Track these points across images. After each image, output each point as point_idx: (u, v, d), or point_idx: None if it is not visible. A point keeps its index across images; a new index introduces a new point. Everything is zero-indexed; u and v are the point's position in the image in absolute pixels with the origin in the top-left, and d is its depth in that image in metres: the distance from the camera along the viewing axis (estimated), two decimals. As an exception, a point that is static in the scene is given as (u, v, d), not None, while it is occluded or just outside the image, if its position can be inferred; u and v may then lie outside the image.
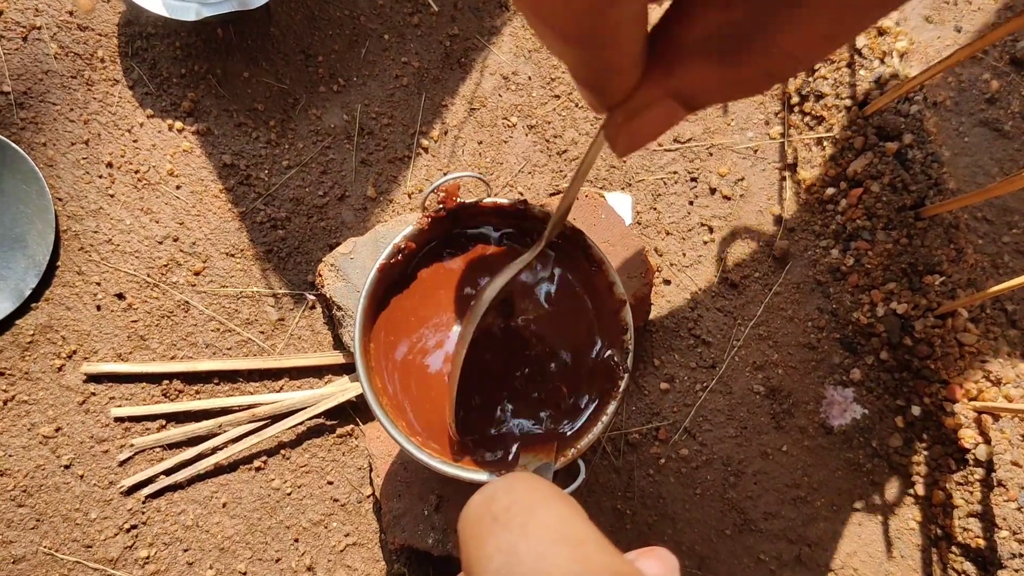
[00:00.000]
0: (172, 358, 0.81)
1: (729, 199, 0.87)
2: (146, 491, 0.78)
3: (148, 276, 0.82)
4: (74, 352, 0.80)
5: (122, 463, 0.78)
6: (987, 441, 0.75)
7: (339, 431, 0.80)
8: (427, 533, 0.71)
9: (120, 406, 0.79)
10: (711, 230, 0.86)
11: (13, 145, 0.80)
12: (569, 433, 0.56)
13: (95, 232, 0.82)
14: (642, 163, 0.88)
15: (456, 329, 0.58)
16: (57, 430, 0.78)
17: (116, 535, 0.77)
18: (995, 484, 0.73)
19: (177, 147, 0.84)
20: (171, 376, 0.80)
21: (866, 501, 0.80)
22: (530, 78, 0.90)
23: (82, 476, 0.78)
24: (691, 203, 0.87)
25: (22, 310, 0.80)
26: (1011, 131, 0.88)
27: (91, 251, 0.82)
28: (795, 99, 0.89)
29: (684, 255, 0.86)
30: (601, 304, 0.59)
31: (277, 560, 0.77)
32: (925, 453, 0.79)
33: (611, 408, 0.54)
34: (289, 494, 0.79)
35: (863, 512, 0.79)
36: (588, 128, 0.89)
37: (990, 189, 0.67)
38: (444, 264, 0.61)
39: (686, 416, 0.81)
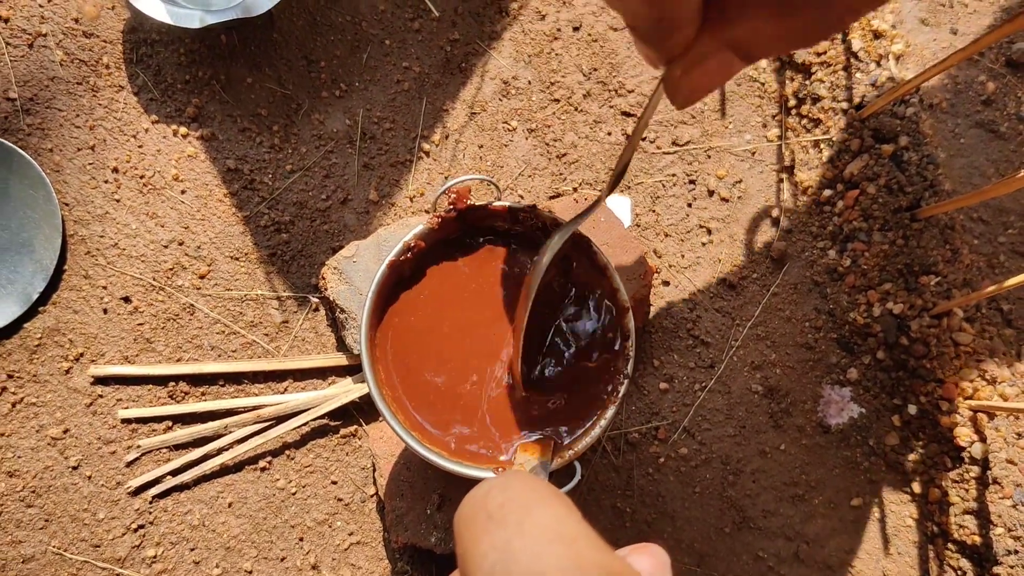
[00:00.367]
0: (178, 360, 0.82)
1: (727, 201, 0.88)
2: (153, 491, 0.79)
3: (154, 280, 0.83)
4: (81, 355, 0.81)
5: (129, 464, 0.80)
6: (983, 439, 0.76)
7: (343, 432, 0.81)
8: (430, 532, 0.72)
9: (127, 408, 0.81)
10: (709, 232, 0.87)
11: (20, 151, 0.81)
12: (568, 434, 0.57)
13: (101, 236, 0.83)
14: (641, 166, 0.89)
15: (462, 326, 0.60)
16: (65, 432, 0.80)
17: (124, 535, 0.78)
18: (990, 482, 0.74)
19: (182, 152, 0.86)
20: (177, 378, 0.81)
21: (863, 499, 0.80)
22: (530, 83, 0.91)
23: (90, 477, 0.79)
24: (689, 205, 0.88)
25: (30, 314, 0.81)
26: (1007, 132, 0.89)
27: (97, 255, 0.83)
28: (792, 102, 0.90)
29: (683, 256, 0.87)
30: (606, 309, 0.60)
31: (282, 559, 0.78)
32: (921, 451, 0.80)
33: (610, 412, 0.55)
34: (294, 494, 0.80)
35: (860, 510, 0.80)
36: (587, 131, 0.89)
37: (986, 190, 0.68)
38: (452, 264, 0.62)
39: (685, 415, 0.82)
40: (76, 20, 0.86)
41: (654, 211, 0.88)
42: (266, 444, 0.80)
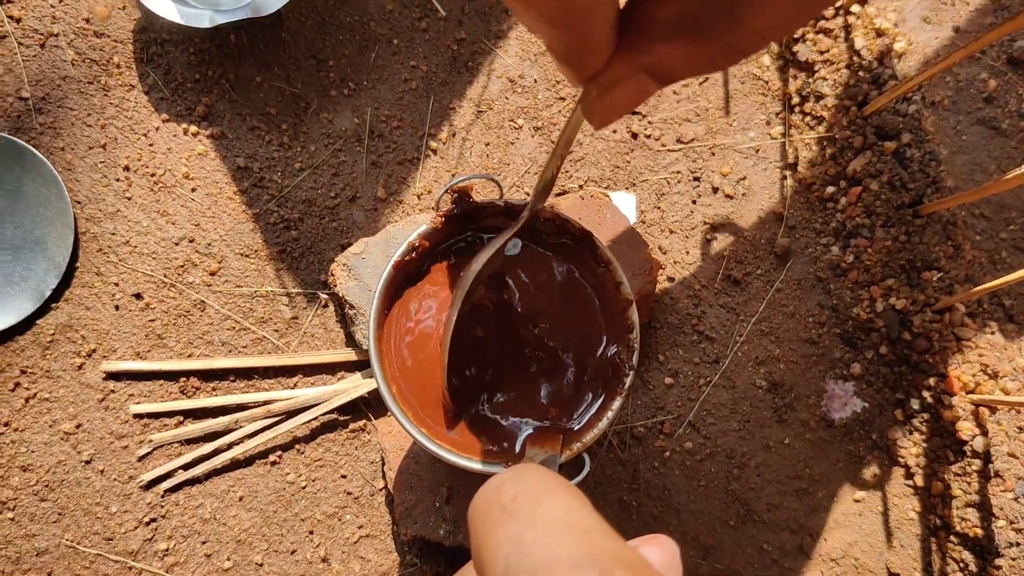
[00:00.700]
0: (189, 356, 0.83)
1: (731, 198, 0.89)
2: (165, 485, 0.80)
3: (165, 276, 0.84)
4: (94, 351, 0.82)
5: (141, 458, 0.81)
6: (984, 433, 0.76)
7: (352, 426, 0.82)
8: (439, 524, 0.73)
9: (139, 403, 0.82)
10: (714, 228, 0.88)
11: (32, 149, 0.82)
12: (575, 428, 0.58)
13: (113, 234, 0.84)
14: (646, 163, 0.90)
15: (468, 322, 0.60)
16: (78, 426, 0.81)
17: (136, 528, 0.79)
18: (992, 475, 0.74)
19: (192, 150, 0.87)
20: (188, 373, 0.82)
21: (866, 492, 0.81)
22: (536, 81, 0.91)
23: (102, 471, 0.80)
24: (694, 202, 0.89)
25: (43, 310, 0.82)
26: (1008, 129, 0.89)
27: (109, 252, 0.84)
28: (795, 100, 0.91)
29: (687, 253, 0.88)
30: (608, 303, 0.61)
31: (292, 552, 0.79)
32: (924, 445, 0.81)
33: (616, 404, 0.56)
34: (304, 488, 0.81)
35: (863, 503, 0.81)
36: (592, 130, 0.90)
37: (987, 187, 0.69)
38: (456, 262, 0.62)
39: (690, 410, 0.83)
40: (87, 20, 0.87)
41: (659, 208, 0.89)
42: (276, 438, 0.81)
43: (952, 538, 0.77)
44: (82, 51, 0.87)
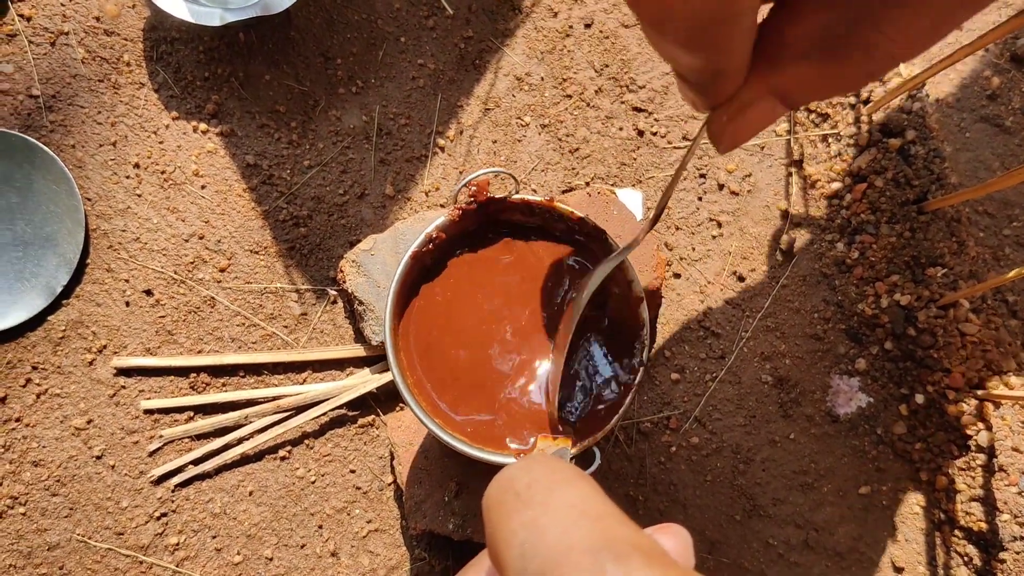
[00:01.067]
0: (199, 352, 0.83)
1: (737, 195, 0.90)
2: (175, 480, 0.80)
3: (175, 273, 0.85)
4: (104, 347, 0.83)
5: (152, 453, 0.81)
6: (988, 428, 0.77)
7: (361, 421, 0.83)
8: (447, 519, 0.74)
9: (149, 398, 0.82)
10: (720, 225, 0.89)
11: (43, 147, 0.83)
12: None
13: (123, 231, 0.85)
14: (652, 160, 0.90)
15: (482, 316, 0.61)
16: (89, 422, 0.81)
17: (147, 523, 0.80)
18: (996, 469, 0.75)
19: (202, 148, 0.87)
20: (198, 369, 0.83)
21: (871, 487, 0.82)
22: (542, 79, 0.92)
23: (113, 466, 0.81)
24: (700, 199, 0.90)
25: (54, 306, 0.83)
26: (1012, 126, 0.90)
27: (120, 249, 0.85)
28: (800, 97, 0.91)
29: (693, 249, 0.88)
30: (620, 299, 0.61)
31: (302, 546, 0.80)
32: (928, 440, 0.81)
33: (627, 399, 0.57)
34: (313, 482, 0.81)
35: (869, 497, 0.82)
36: (599, 127, 0.91)
37: (991, 183, 0.69)
38: (472, 255, 0.63)
39: (696, 405, 0.84)
40: (97, 18, 0.88)
41: (665, 205, 0.89)
42: (286, 434, 0.81)
43: (956, 532, 0.78)
44: (92, 49, 0.88)
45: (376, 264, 0.80)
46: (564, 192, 0.88)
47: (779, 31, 0.26)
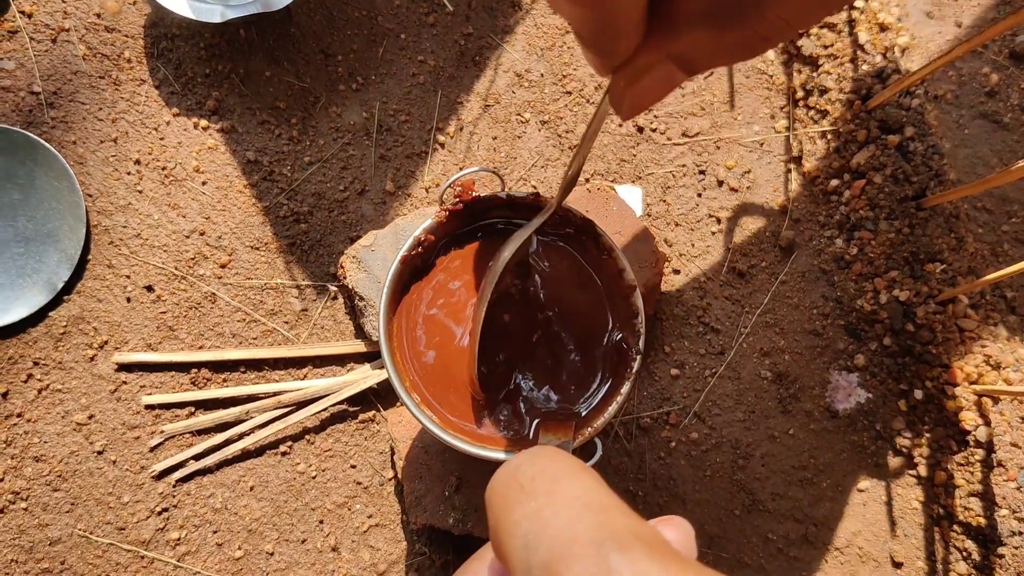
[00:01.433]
0: (200, 347, 0.84)
1: (736, 191, 0.90)
2: (176, 475, 0.81)
3: (176, 269, 0.85)
4: (105, 342, 0.83)
5: (153, 449, 0.81)
6: (987, 423, 0.77)
7: (361, 417, 0.83)
8: (448, 513, 0.74)
9: (150, 394, 0.82)
10: (719, 221, 0.89)
11: (44, 143, 0.83)
12: (585, 413, 0.59)
13: (124, 227, 0.85)
14: (652, 156, 0.91)
15: (465, 312, 0.62)
16: (90, 417, 0.81)
17: (148, 518, 0.80)
18: (995, 464, 0.75)
19: (202, 144, 0.87)
20: (199, 365, 0.83)
21: (870, 482, 0.82)
22: (542, 75, 0.92)
23: (115, 461, 0.81)
24: (699, 195, 0.90)
25: (55, 302, 0.83)
26: (1010, 123, 0.90)
27: (121, 245, 0.85)
28: (800, 94, 0.92)
29: (693, 245, 0.88)
30: (612, 289, 0.62)
31: (303, 541, 0.80)
32: (927, 435, 0.81)
33: (625, 388, 0.57)
34: (314, 477, 0.82)
35: (867, 492, 0.82)
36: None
37: (989, 179, 0.69)
38: (461, 254, 0.64)
39: (696, 401, 0.84)
40: (98, 15, 0.88)
41: (665, 201, 0.89)
42: (287, 429, 0.82)
43: (955, 527, 0.78)
44: (93, 46, 0.88)
45: (376, 260, 0.80)
46: (564, 188, 0.88)
47: None
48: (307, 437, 0.82)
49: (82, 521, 0.80)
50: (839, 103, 0.87)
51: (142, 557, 0.79)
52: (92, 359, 0.83)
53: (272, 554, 0.80)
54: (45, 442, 0.81)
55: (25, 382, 0.81)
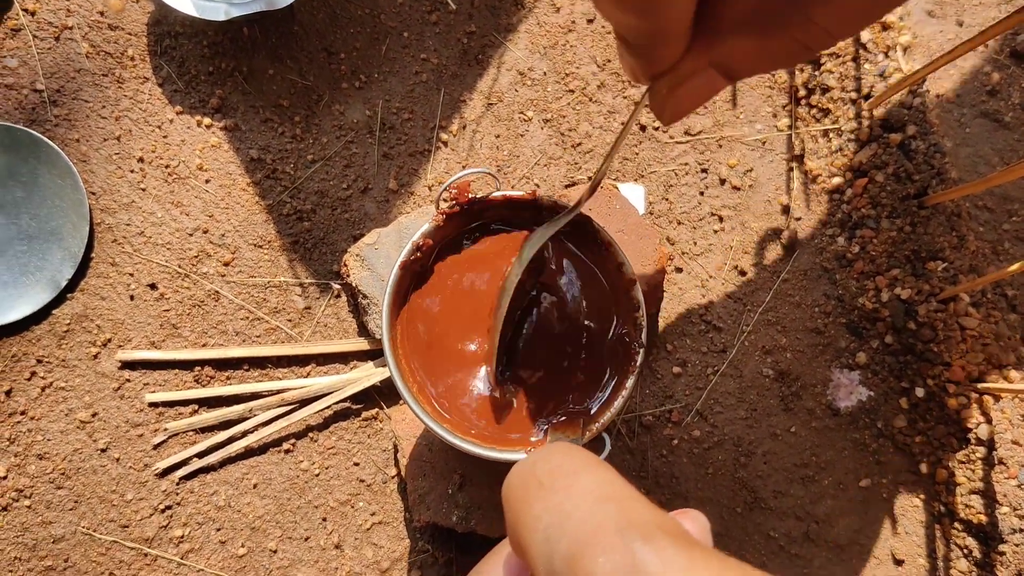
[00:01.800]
0: (203, 345, 0.84)
1: (738, 189, 0.90)
2: (180, 473, 0.81)
3: (179, 267, 0.85)
4: (109, 340, 0.83)
5: (156, 446, 0.82)
6: (988, 421, 0.78)
7: (364, 415, 0.83)
8: (451, 511, 0.74)
9: (154, 392, 0.82)
10: (721, 219, 0.89)
11: (48, 141, 0.83)
12: (593, 410, 0.59)
13: (128, 225, 0.85)
14: (654, 155, 0.91)
15: (477, 315, 0.62)
16: (94, 415, 0.82)
17: (151, 515, 0.80)
18: (996, 462, 0.76)
19: (206, 142, 0.87)
20: (203, 363, 0.83)
21: (872, 480, 0.82)
22: (545, 74, 0.92)
23: (118, 459, 0.81)
24: (702, 193, 0.90)
25: (58, 300, 0.83)
26: (1011, 122, 0.91)
27: (124, 243, 0.85)
28: (802, 92, 0.92)
29: (695, 244, 0.89)
30: (613, 284, 0.62)
31: (306, 538, 0.81)
32: (929, 433, 0.82)
33: (630, 382, 0.57)
34: (317, 475, 0.82)
35: (869, 490, 0.82)
36: (601, 121, 0.91)
37: (991, 178, 0.70)
38: (461, 256, 0.64)
39: (698, 399, 0.84)
40: (102, 13, 0.88)
41: (667, 199, 0.90)
42: (290, 427, 0.82)
43: (956, 525, 0.79)
44: (96, 44, 0.88)
45: (380, 258, 0.80)
46: (567, 187, 0.88)
47: (719, 5, 0.27)
48: (310, 435, 0.83)
49: (85, 519, 0.80)
50: (841, 101, 0.88)
51: (145, 555, 0.79)
52: (96, 357, 0.83)
53: (275, 552, 0.80)
54: (49, 440, 0.81)
55: (28, 380, 0.81)
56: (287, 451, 0.82)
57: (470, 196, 0.60)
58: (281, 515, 0.81)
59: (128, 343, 0.83)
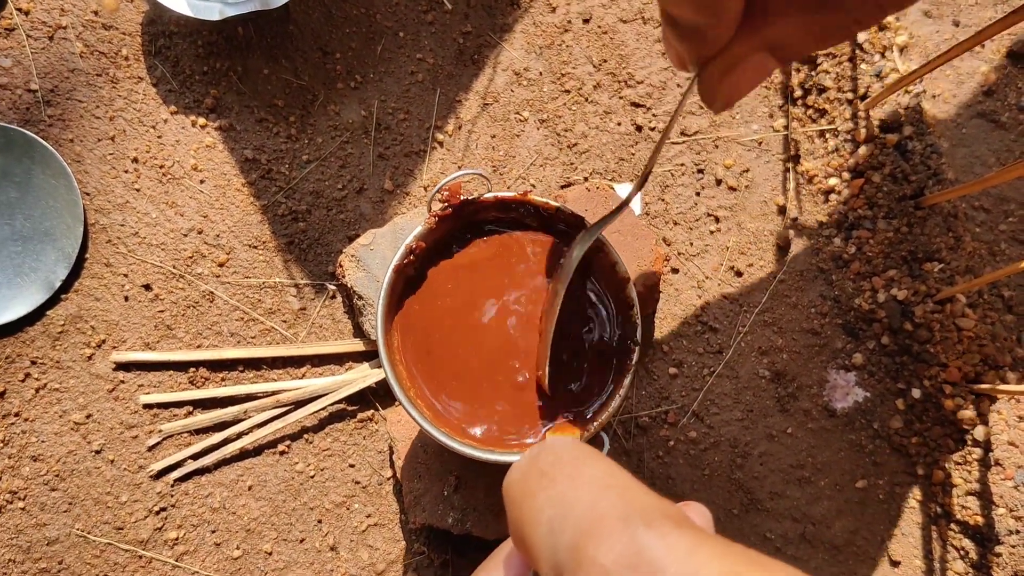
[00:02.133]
0: (198, 346, 0.84)
1: (735, 190, 0.90)
2: (174, 475, 0.80)
3: (174, 268, 0.85)
4: (103, 341, 0.83)
5: (151, 448, 0.81)
6: (985, 422, 0.77)
7: (360, 416, 0.83)
8: (447, 513, 0.74)
9: (148, 393, 0.82)
10: (717, 220, 0.89)
11: (42, 141, 0.83)
12: (590, 409, 0.59)
13: (122, 225, 0.85)
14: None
15: (472, 316, 0.61)
16: (88, 417, 0.81)
17: (146, 517, 0.80)
18: (992, 464, 0.75)
19: (200, 142, 0.87)
20: (197, 364, 0.83)
21: (868, 481, 0.82)
22: (541, 74, 0.92)
23: (112, 461, 0.81)
24: (698, 194, 0.90)
25: (52, 301, 0.83)
26: (1008, 122, 0.90)
27: (118, 244, 0.85)
28: (798, 92, 0.92)
29: (691, 244, 0.89)
30: (607, 283, 0.62)
31: (301, 540, 0.80)
32: (925, 434, 0.82)
33: (626, 381, 0.57)
34: (312, 477, 0.82)
35: (865, 491, 0.82)
36: (597, 122, 0.91)
37: (987, 179, 0.69)
38: (454, 257, 0.64)
39: (694, 400, 0.84)
40: (96, 13, 0.88)
41: (663, 200, 0.89)
42: (285, 428, 0.82)
43: (953, 526, 0.79)
44: (90, 43, 0.88)
45: (375, 259, 0.80)
46: (563, 187, 0.88)
47: None
48: (305, 436, 0.82)
49: (80, 521, 0.79)
50: (838, 102, 0.87)
51: (140, 557, 0.79)
52: (90, 358, 0.82)
53: (270, 554, 0.80)
54: (43, 441, 0.80)
55: (23, 381, 0.81)
56: (282, 453, 0.82)
57: (462, 198, 0.60)
58: (276, 517, 0.81)
59: (122, 344, 0.83)
